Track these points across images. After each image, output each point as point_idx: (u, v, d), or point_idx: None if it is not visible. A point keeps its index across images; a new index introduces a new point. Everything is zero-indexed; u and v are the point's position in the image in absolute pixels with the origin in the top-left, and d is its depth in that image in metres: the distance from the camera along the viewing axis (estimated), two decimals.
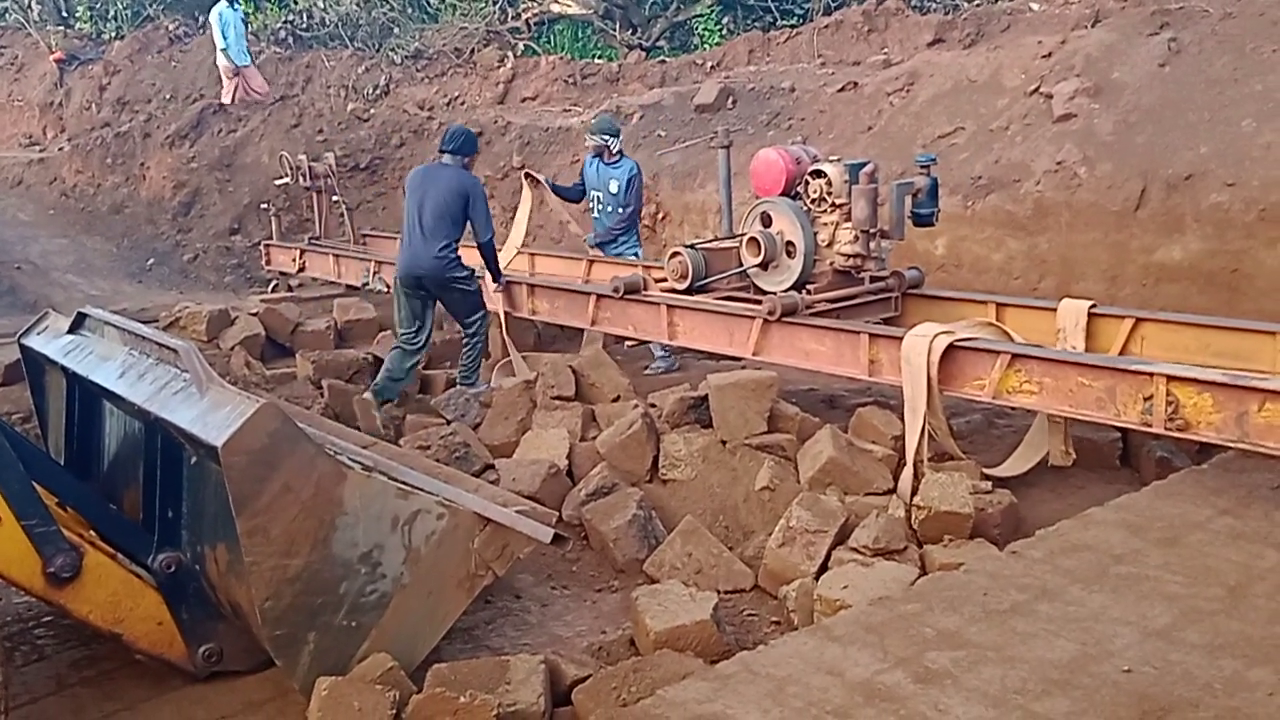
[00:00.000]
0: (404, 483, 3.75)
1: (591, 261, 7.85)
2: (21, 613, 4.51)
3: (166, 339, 3.88)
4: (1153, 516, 4.06)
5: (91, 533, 3.83)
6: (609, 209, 7.98)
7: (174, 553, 3.79)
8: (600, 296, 6.68)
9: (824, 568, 4.30)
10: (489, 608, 4.47)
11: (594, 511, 4.88)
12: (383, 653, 3.57)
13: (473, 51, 14.77)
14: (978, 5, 12.11)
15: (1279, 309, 6.14)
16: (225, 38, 13.76)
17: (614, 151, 8.01)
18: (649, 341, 6.97)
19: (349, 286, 9.17)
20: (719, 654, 3.69)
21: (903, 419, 5.06)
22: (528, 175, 8.35)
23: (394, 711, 3.25)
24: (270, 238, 10.56)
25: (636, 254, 8.12)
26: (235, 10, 14.01)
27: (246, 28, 14.62)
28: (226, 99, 13.94)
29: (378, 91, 14.54)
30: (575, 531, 4.97)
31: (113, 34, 18.21)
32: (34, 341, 4.76)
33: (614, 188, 7.94)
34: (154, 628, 3.74)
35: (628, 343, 7.59)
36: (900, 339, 5.04)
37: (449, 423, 6.05)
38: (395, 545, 3.59)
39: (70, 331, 4.53)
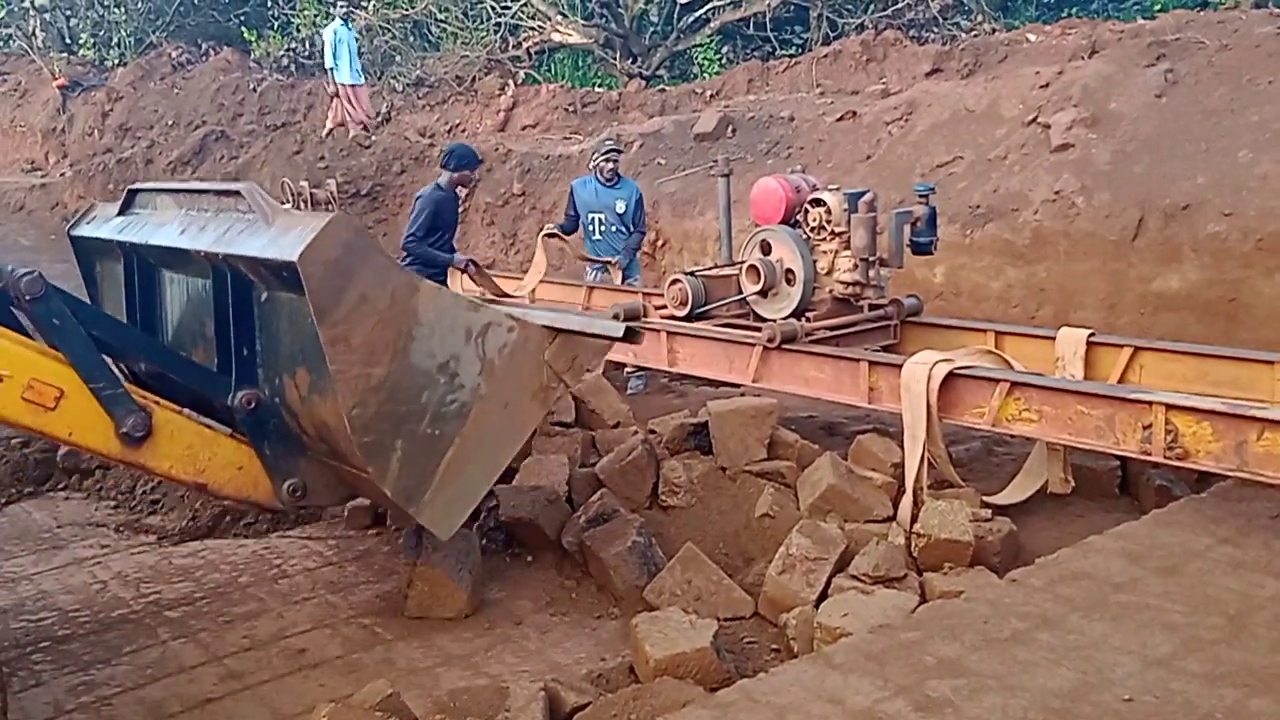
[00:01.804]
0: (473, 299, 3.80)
1: (592, 288, 7.86)
2: (19, 638, 4.51)
3: (225, 185, 3.94)
4: (1152, 545, 4.06)
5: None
6: (614, 229, 8.00)
7: (252, 390, 3.84)
8: None
9: (824, 595, 4.29)
10: (488, 634, 4.46)
11: (594, 538, 4.87)
12: (381, 681, 3.56)
13: (474, 79, 14.89)
14: (975, 36, 12.22)
15: (1277, 338, 6.17)
16: (336, 57, 13.42)
17: (617, 173, 8.07)
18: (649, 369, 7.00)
19: None
20: (719, 682, 3.68)
21: (902, 446, 5.07)
22: (550, 235, 8.20)
23: None
24: None
25: (637, 277, 8.16)
26: (349, 29, 13.69)
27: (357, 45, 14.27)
28: (330, 124, 13.61)
29: (379, 119, 14.63)
30: (574, 559, 4.97)
31: (116, 60, 18.34)
32: (84, 230, 4.75)
33: (620, 208, 7.97)
34: (235, 474, 3.84)
35: (626, 369, 7.63)
36: (900, 367, 5.06)
37: None
38: (470, 357, 3.65)
39: (121, 213, 4.55)
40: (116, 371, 3.77)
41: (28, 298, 3.52)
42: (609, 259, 7.98)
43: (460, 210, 7.62)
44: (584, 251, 8.19)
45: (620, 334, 3.86)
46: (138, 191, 4.58)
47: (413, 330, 3.54)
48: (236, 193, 3.81)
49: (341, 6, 13.67)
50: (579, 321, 3.95)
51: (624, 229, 8.01)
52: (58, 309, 3.59)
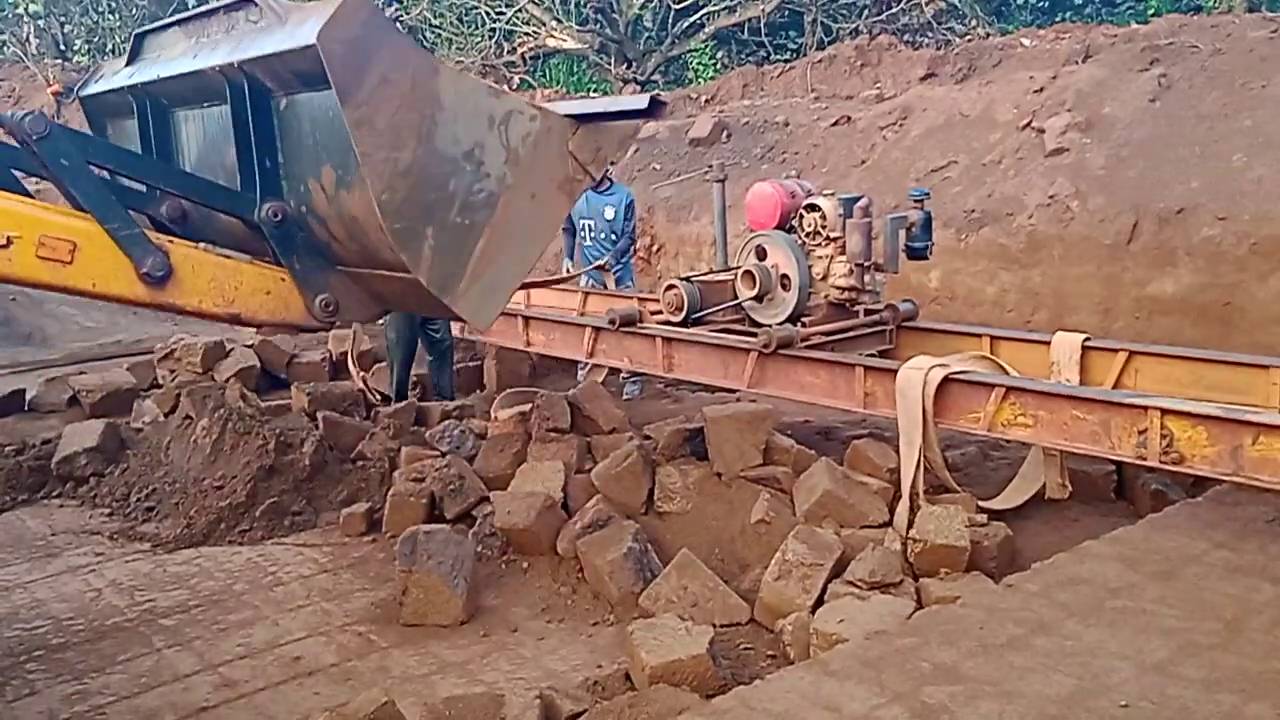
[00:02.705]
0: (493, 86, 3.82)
1: (587, 294, 7.85)
2: (13, 647, 4.49)
3: None
4: (1148, 550, 4.06)
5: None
6: (603, 235, 8.00)
7: (277, 201, 3.83)
8: (596, 329, 6.69)
9: (820, 601, 4.28)
10: (484, 641, 4.46)
11: (589, 544, 4.86)
12: (377, 689, 3.55)
13: None
14: (969, 40, 12.25)
15: (1272, 342, 6.18)
16: None
17: (609, 178, 8.07)
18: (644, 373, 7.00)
19: None
20: (715, 689, 3.67)
21: (898, 451, 5.06)
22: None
23: None
24: None
25: (631, 283, 8.16)
26: None
27: None
28: None
29: None
30: (570, 565, 4.96)
31: None
32: (93, 88, 4.76)
33: (610, 214, 7.97)
34: (265, 299, 3.84)
35: (622, 374, 7.63)
36: (895, 372, 5.06)
37: (443, 455, 6.04)
38: (495, 145, 3.64)
39: (129, 64, 4.55)
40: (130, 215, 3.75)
41: (34, 137, 3.46)
42: (599, 263, 7.98)
43: None
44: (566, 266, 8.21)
45: (644, 106, 3.82)
46: (145, 35, 4.53)
47: (435, 114, 3.52)
48: (248, 2, 3.78)
49: None
50: (602, 103, 3.99)
51: (612, 235, 8.01)
52: (65, 148, 3.55)
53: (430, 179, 3.56)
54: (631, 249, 8.28)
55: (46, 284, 3.58)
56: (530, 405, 6.33)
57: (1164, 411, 4.20)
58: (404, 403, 7.18)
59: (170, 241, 3.75)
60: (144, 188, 4.08)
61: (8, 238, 3.38)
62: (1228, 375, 4.96)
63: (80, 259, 3.51)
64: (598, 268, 8.02)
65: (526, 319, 7.37)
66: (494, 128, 3.64)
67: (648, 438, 5.72)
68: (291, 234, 3.88)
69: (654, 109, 3.83)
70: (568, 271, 8.15)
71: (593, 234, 8.02)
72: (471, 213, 3.65)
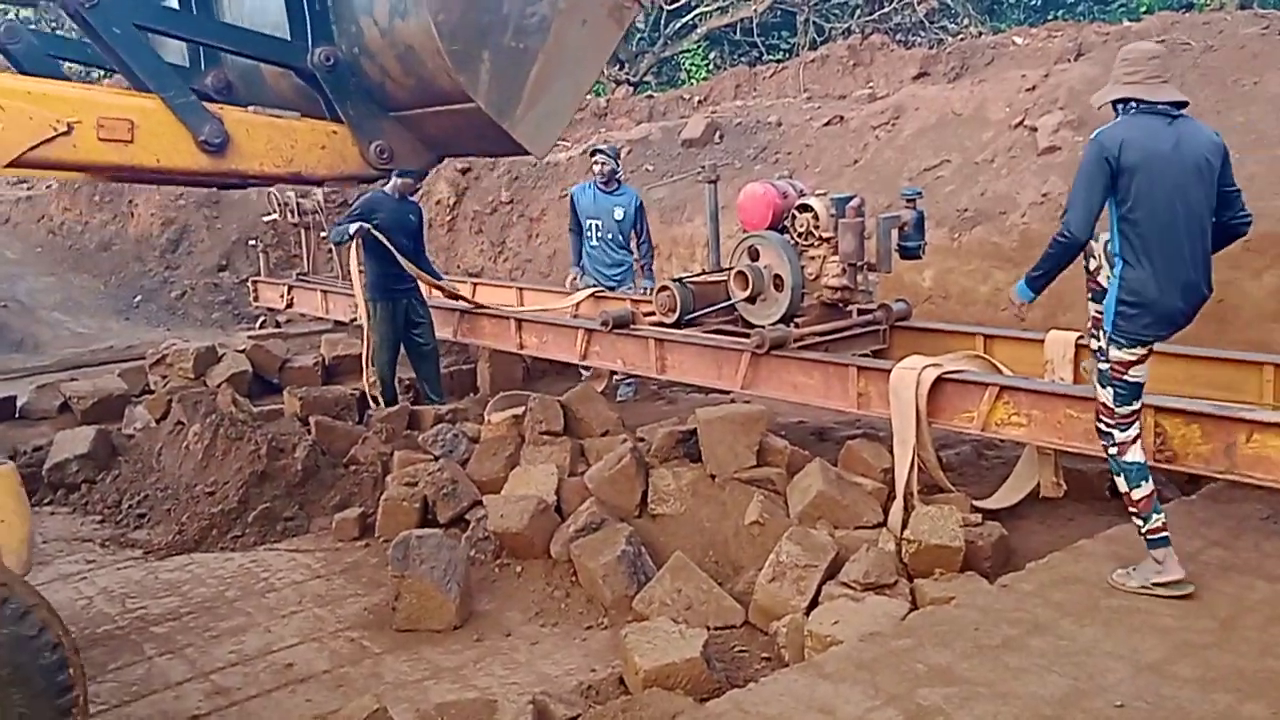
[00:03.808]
0: None
1: (584, 298, 7.80)
2: None
3: None
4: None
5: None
6: (610, 236, 7.97)
7: (329, 45, 3.83)
8: (589, 331, 6.68)
9: (814, 603, 4.26)
10: (477, 646, 4.43)
11: (582, 548, 4.84)
12: (369, 696, 3.53)
13: None
14: (961, 39, 12.25)
15: (1266, 339, 6.17)
16: None
17: (617, 178, 8.05)
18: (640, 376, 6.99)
19: (337, 322, 9.16)
20: (709, 692, 3.65)
21: (892, 452, 5.05)
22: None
23: None
24: (258, 274, 10.55)
25: (652, 285, 8.12)
26: None
27: None
28: None
29: None
30: (564, 569, 4.94)
31: (101, 74, 18.28)
32: None
33: (619, 214, 7.93)
34: (321, 153, 3.89)
35: (616, 375, 7.61)
36: (888, 372, 5.05)
37: (436, 459, 6.02)
38: None
39: None
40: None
41: (86, 5, 3.43)
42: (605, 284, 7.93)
43: (425, 218, 7.59)
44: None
45: None
46: None
47: None
48: None
49: None
50: None
51: (621, 236, 7.96)
52: (116, 14, 3.53)
53: (484, 1, 3.58)
54: (651, 251, 8.25)
55: (114, 165, 3.58)
56: (524, 408, 6.31)
57: (1158, 409, 4.20)
58: (397, 407, 7.16)
59: (221, 108, 3.78)
60: (186, 62, 4.10)
61: (68, 124, 3.37)
62: (1221, 372, 4.96)
63: (140, 135, 3.52)
64: (608, 287, 7.94)
65: (519, 321, 7.36)
66: None
67: (641, 440, 5.70)
68: (344, 78, 3.89)
69: None
70: (575, 280, 8.08)
71: (600, 234, 7.96)
72: (525, 37, 3.67)
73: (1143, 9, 13.32)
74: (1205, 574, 3.82)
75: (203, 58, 4.43)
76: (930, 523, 4.49)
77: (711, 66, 15.10)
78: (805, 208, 5.85)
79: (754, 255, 5.90)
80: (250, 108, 3.84)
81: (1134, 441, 3.89)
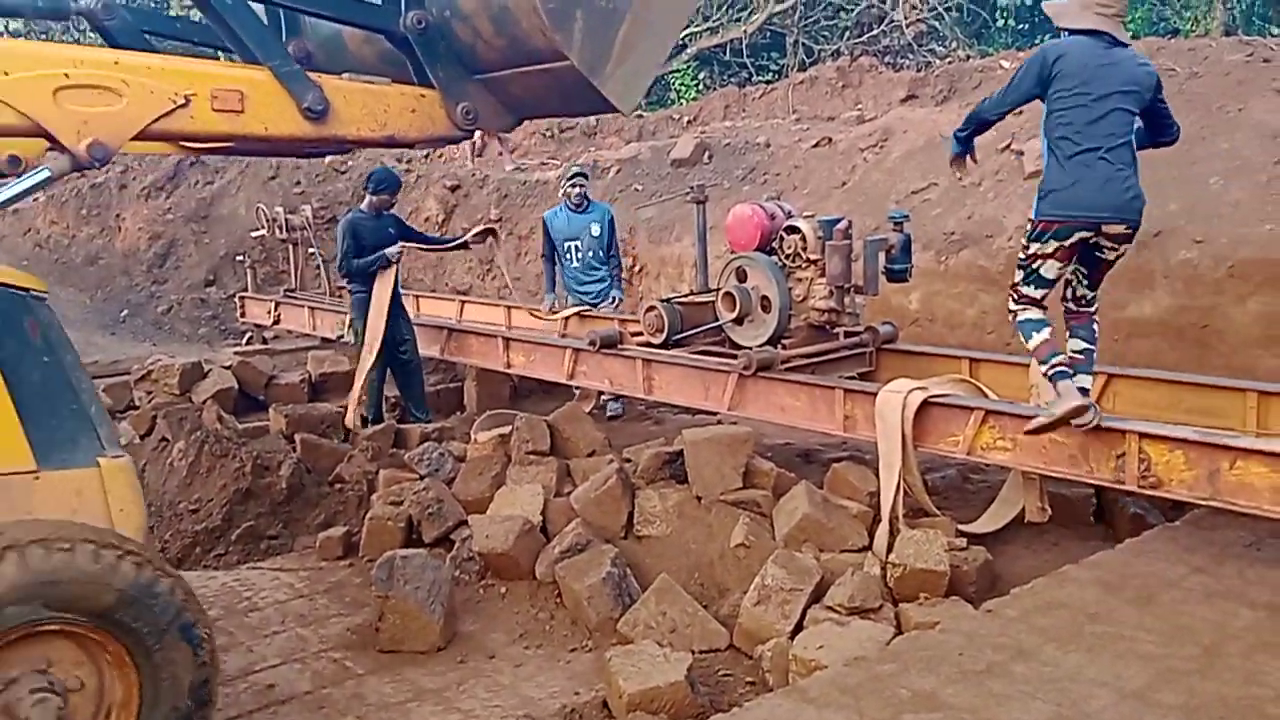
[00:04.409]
0: None
1: (570, 315, 7.81)
2: None
3: None
4: (1127, 574, 4.06)
5: None
6: (590, 254, 7.97)
7: (420, 10, 3.99)
8: (577, 350, 6.67)
9: (799, 627, 4.26)
10: (460, 668, 4.41)
11: (568, 569, 4.83)
12: (351, 717, 3.50)
13: None
14: (949, 63, 12.32)
15: (1249, 365, 6.20)
16: None
17: (588, 198, 8.06)
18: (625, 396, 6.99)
19: (324, 339, 9.13)
20: (693, 716, 3.65)
21: (878, 475, 5.05)
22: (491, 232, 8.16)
23: None
24: (246, 290, 10.53)
25: (621, 296, 8.13)
26: None
27: None
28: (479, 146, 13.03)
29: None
30: (549, 590, 4.92)
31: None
32: None
33: (595, 230, 7.93)
34: (412, 116, 4.08)
35: (603, 396, 7.60)
36: (875, 395, 5.05)
37: (422, 478, 6.01)
38: None
39: None
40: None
41: None
42: (590, 303, 7.93)
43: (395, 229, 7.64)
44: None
45: None
46: None
47: None
48: None
49: None
50: None
51: (600, 252, 7.97)
52: None
53: None
54: (620, 262, 8.27)
55: (226, 134, 3.76)
56: (510, 428, 6.30)
57: (1142, 435, 4.21)
58: (383, 425, 7.14)
59: (319, 76, 3.91)
60: None
61: (185, 96, 3.52)
62: (1205, 398, 4.97)
63: (250, 105, 3.69)
64: (589, 305, 7.95)
65: (507, 340, 7.35)
66: None
67: (628, 460, 5.70)
68: (434, 41, 4.06)
69: None
70: (552, 308, 8.07)
71: (580, 253, 7.95)
72: None
73: (1128, 34, 13.43)
74: (1189, 600, 3.82)
75: (284, 27, 4.58)
76: (915, 547, 4.49)
77: (701, 86, 15.15)
78: (793, 230, 5.87)
79: (742, 276, 5.91)
80: (344, 75, 4.00)
81: (1028, 308, 4.47)
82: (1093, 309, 4.67)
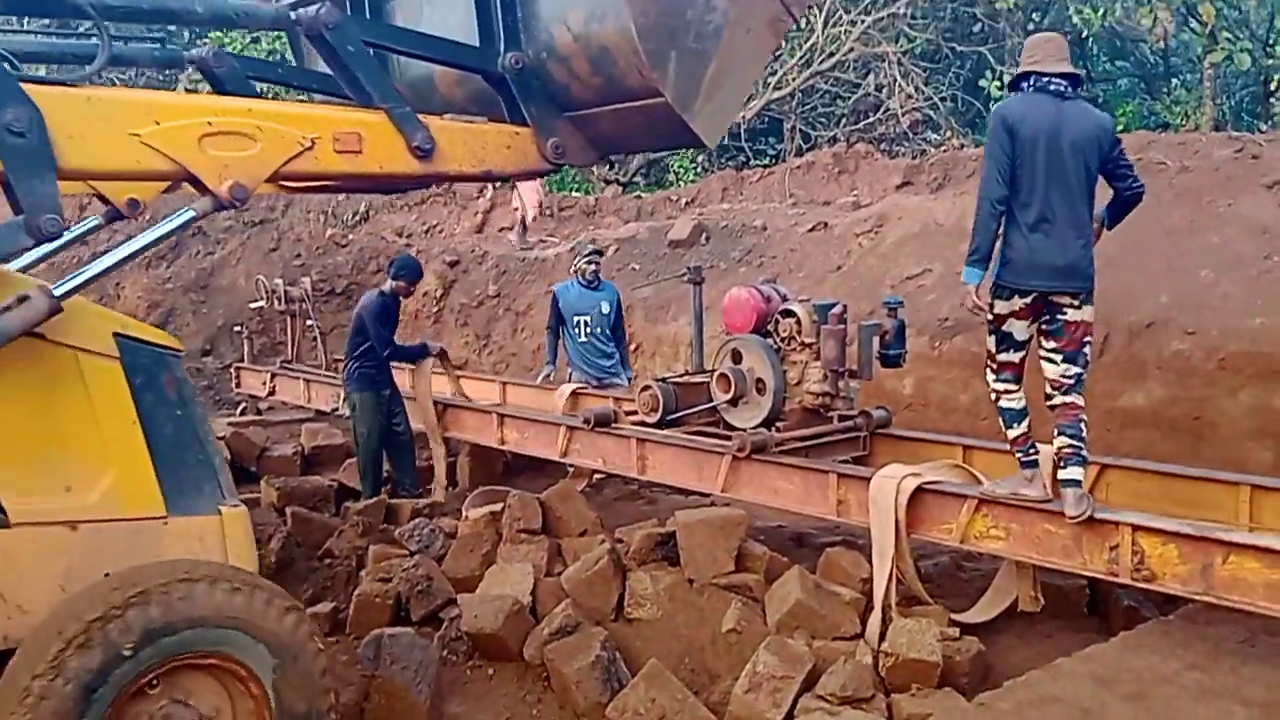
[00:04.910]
0: None
1: (575, 394, 7.80)
2: None
3: None
4: (1121, 669, 4.02)
5: None
6: (599, 330, 8.03)
7: (518, 51, 4.23)
8: (571, 428, 6.67)
9: (790, 716, 4.20)
10: None
11: (557, 651, 4.78)
12: None
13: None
14: (944, 151, 12.53)
15: (1241, 457, 6.22)
16: None
17: (599, 276, 8.16)
18: (618, 474, 6.97)
19: (319, 411, 9.12)
20: None
21: (871, 561, 5.03)
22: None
23: None
24: (242, 360, 10.55)
25: (631, 377, 8.17)
26: None
27: None
28: (523, 208, 13.03)
29: (357, 218, 14.76)
30: (537, 672, 4.86)
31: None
32: None
33: (605, 308, 8.01)
34: (507, 152, 4.29)
35: (595, 474, 7.59)
36: (868, 480, 5.05)
37: (412, 554, 5.96)
38: None
39: None
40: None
41: (328, 26, 3.80)
42: (596, 378, 7.98)
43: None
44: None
45: None
46: None
47: None
48: None
49: None
50: None
51: (607, 330, 8.05)
52: (352, 33, 3.92)
53: (673, 8, 4.01)
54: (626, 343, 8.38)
55: (345, 174, 3.98)
56: (502, 505, 6.27)
57: (1135, 528, 4.21)
58: (374, 500, 7.11)
59: (425, 117, 4.10)
60: None
61: (311, 139, 3.75)
62: (1198, 491, 4.98)
63: (367, 146, 3.90)
64: (598, 381, 8.01)
65: (501, 416, 7.36)
66: None
67: (620, 541, 5.67)
68: (529, 81, 4.28)
69: None
70: (550, 377, 8.12)
71: (588, 329, 8.02)
72: (704, 41, 4.10)
73: (1120, 127, 13.68)
74: (1183, 697, 3.79)
75: None
76: (908, 636, 4.45)
77: (699, 169, 15.37)
78: (788, 313, 5.92)
79: (737, 358, 5.95)
80: (445, 116, 4.22)
81: (1009, 393, 4.68)
82: (1071, 399, 4.57)
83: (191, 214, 3.70)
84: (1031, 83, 4.47)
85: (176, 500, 3.65)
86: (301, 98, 5.05)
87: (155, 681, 3.28)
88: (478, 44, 4.28)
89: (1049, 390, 4.60)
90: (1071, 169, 4.36)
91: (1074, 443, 4.52)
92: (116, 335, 3.67)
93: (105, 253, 3.89)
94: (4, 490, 3.39)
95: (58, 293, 3.44)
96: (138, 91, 4.20)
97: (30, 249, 3.59)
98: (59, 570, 3.41)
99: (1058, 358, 4.57)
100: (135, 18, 3.97)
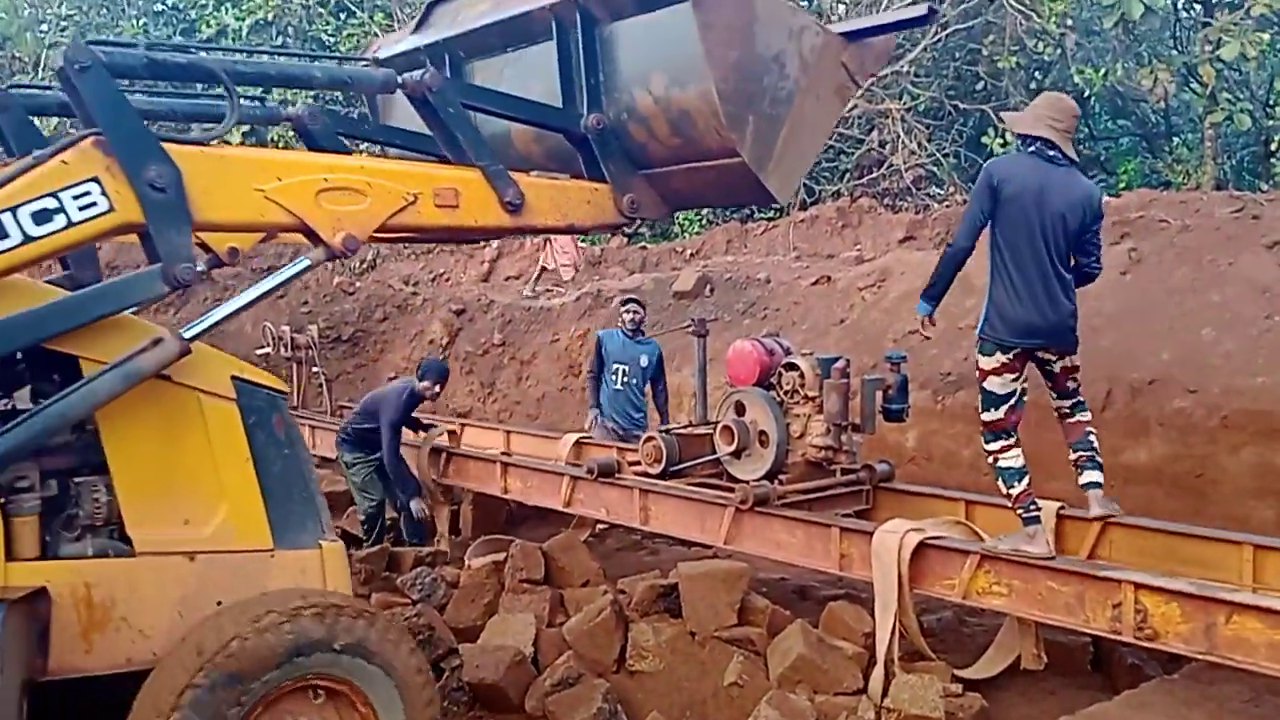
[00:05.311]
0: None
1: (580, 443, 7.81)
2: None
3: None
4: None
5: None
6: (635, 382, 8.07)
7: (599, 113, 4.44)
8: (575, 478, 6.69)
9: None
10: None
11: (558, 703, 4.77)
12: None
13: None
14: (947, 206, 12.64)
15: (1244, 515, 6.21)
16: None
17: (643, 328, 8.23)
18: (620, 524, 6.98)
19: (323, 459, 9.13)
20: None
21: (873, 615, 5.02)
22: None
23: None
24: None
25: None
26: None
27: None
28: (550, 264, 13.24)
29: (364, 266, 14.87)
30: None
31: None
32: (384, 54, 5.24)
33: (644, 362, 8.06)
34: (587, 207, 4.49)
35: (598, 524, 7.59)
36: (871, 534, 5.06)
37: (414, 603, 5.96)
38: (792, 52, 4.32)
39: (415, 31, 5.24)
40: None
41: (431, 90, 4.04)
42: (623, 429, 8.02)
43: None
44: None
45: (923, 13, 4.50)
46: (436, 4, 5.19)
47: (753, 22, 4.19)
48: None
49: None
50: (882, 17, 4.70)
51: (643, 384, 8.10)
52: (452, 96, 4.15)
53: (751, 75, 4.22)
54: (668, 399, 8.44)
55: (443, 227, 4.22)
56: (504, 554, 6.27)
57: (1138, 585, 4.21)
58: (377, 548, 7.11)
59: (514, 174, 4.31)
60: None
61: (414, 195, 3.97)
62: (1201, 549, 4.98)
63: (464, 201, 4.12)
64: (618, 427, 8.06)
65: (505, 465, 7.38)
66: (792, 38, 4.34)
67: (622, 592, 5.67)
68: (608, 140, 4.50)
69: (930, 16, 4.58)
70: (595, 421, 8.16)
71: (625, 379, 8.06)
72: (777, 106, 4.32)
73: (1121, 185, 13.80)
74: None
75: None
76: (911, 691, 4.45)
77: (704, 221, 15.48)
78: (792, 366, 5.96)
79: (740, 410, 5.98)
80: (532, 172, 4.44)
81: (1004, 450, 4.76)
82: (1077, 417, 4.95)
83: (306, 263, 3.92)
84: (1024, 144, 4.66)
85: (283, 534, 3.86)
86: (376, 152, 5.30)
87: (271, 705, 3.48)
88: (559, 105, 4.52)
89: (1056, 414, 4.99)
90: (1052, 233, 4.53)
91: (1087, 451, 4.87)
92: (234, 378, 3.91)
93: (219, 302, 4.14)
94: (129, 521, 3.63)
95: (187, 335, 3.69)
96: (262, 150, 4.57)
97: (164, 296, 3.78)
98: (177, 597, 3.63)
99: (1054, 395, 4.97)
100: (263, 83, 4.24)
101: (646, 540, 7.86)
